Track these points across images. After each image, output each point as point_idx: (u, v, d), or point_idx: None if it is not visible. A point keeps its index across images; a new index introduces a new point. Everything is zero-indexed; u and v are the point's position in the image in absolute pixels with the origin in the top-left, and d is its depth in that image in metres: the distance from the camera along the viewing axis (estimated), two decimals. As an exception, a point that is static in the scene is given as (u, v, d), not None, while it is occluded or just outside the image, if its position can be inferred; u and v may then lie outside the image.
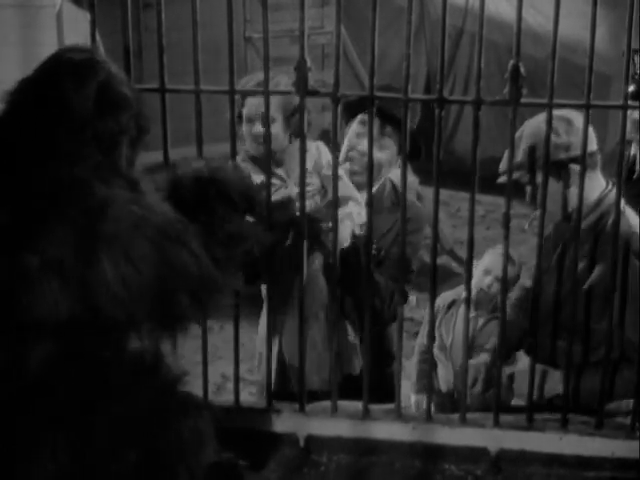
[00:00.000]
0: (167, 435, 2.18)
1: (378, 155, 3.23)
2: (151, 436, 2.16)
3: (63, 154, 2.05)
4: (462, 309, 3.89)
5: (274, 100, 2.93)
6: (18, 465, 2.09)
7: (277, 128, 3.11)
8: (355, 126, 3.38)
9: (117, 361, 2.13)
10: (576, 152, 2.76)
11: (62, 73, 2.09)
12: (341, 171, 3.15)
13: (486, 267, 3.81)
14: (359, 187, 3.31)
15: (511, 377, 3.02)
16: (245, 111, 3.16)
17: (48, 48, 2.69)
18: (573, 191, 2.81)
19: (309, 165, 3.13)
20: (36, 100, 2.08)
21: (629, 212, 2.82)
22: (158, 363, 2.22)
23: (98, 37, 2.67)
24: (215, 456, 2.36)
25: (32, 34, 2.75)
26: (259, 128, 3.05)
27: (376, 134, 3.21)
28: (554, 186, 2.83)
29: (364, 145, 3.25)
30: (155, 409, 2.16)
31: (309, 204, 3.04)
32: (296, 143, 3.05)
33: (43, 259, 1.95)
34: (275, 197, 2.96)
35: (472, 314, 3.93)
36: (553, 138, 2.69)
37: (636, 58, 3.35)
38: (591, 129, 2.71)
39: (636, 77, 3.32)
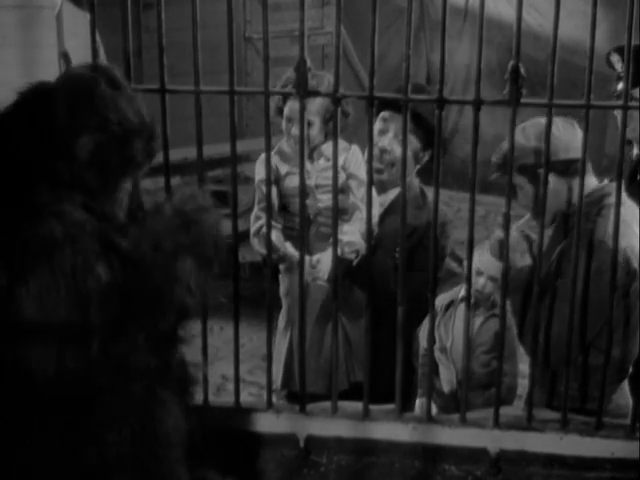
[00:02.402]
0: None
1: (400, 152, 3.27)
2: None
3: (33, 175, 2.05)
4: (460, 310, 3.91)
5: (314, 105, 3.19)
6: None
7: (314, 130, 3.32)
8: (377, 123, 3.43)
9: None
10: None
11: (57, 93, 2.09)
12: (365, 176, 3.24)
13: (477, 268, 3.81)
14: (382, 186, 3.40)
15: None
16: (286, 111, 3.33)
17: (47, 49, 2.69)
18: (549, 193, 2.80)
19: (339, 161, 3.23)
20: (24, 116, 2.09)
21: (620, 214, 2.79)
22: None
23: (98, 38, 2.67)
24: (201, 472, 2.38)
25: (31, 35, 2.74)
26: (297, 131, 3.19)
27: (398, 131, 3.29)
28: (529, 188, 2.93)
29: (384, 142, 3.36)
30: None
31: (326, 198, 3.16)
32: (328, 142, 3.28)
33: None
34: (292, 184, 3.27)
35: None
36: (523, 142, 2.85)
37: (615, 57, 3.35)
38: (580, 136, 2.73)
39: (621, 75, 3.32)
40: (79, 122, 2.05)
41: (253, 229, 3.39)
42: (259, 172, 3.38)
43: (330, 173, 3.09)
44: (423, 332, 4.07)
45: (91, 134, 2.05)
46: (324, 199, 3.31)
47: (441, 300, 3.97)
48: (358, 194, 3.32)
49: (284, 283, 3.47)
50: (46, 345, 2.00)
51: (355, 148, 3.38)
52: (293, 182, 3.30)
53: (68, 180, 2.06)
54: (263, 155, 3.32)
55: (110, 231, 2.10)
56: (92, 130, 2.05)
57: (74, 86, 2.10)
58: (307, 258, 3.21)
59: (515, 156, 2.75)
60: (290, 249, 3.29)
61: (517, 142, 2.78)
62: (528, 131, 2.90)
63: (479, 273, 3.76)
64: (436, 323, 3.93)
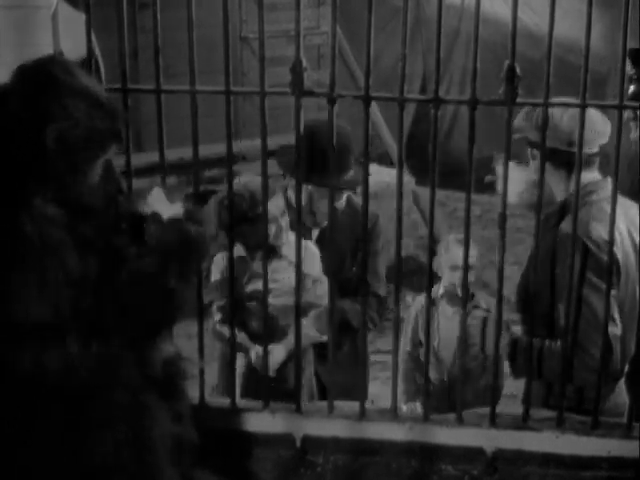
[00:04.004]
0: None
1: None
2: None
3: (5, 172, 2.09)
4: (441, 308, 3.98)
5: (278, 209, 3.20)
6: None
7: (284, 238, 3.27)
8: (280, 202, 3.39)
9: None
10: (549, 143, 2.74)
11: (16, 88, 2.14)
12: (318, 273, 3.31)
13: (453, 263, 3.85)
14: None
15: None
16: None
17: (43, 49, 2.69)
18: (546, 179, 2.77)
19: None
20: None
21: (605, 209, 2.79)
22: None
23: (94, 38, 2.67)
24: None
25: (27, 35, 2.74)
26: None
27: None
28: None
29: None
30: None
31: (281, 300, 3.21)
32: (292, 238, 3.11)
33: None
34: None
35: (451, 310, 3.98)
36: (524, 123, 2.90)
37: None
38: (605, 127, 2.84)
39: (635, 77, 3.33)
40: (42, 113, 2.10)
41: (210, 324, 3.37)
42: (216, 273, 3.35)
43: (282, 275, 3.15)
44: (406, 333, 4.09)
45: (55, 122, 2.10)
46: (277, 303, 3.20)
47: (419, 301, 4.01)
48: (312, 291, 3.31)
49: None
50: (24, 341, 2.03)
51: (309, 244, 3.31)
52: (250, 286, 3.29)
53: (40, 173, 2.10)
54: (219, 255, 3.28)
55: (85, 226, 2.13)
56: (56, 118, 2.10)
57: (31, 78, 2.14)
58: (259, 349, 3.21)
59: (522, 128, 2.84)
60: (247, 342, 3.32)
61: (521, 120, 2.87)
62: (535, 114, 2.91)
63: (454, 268, 3.82)
64: (418, 324, 3.98)
